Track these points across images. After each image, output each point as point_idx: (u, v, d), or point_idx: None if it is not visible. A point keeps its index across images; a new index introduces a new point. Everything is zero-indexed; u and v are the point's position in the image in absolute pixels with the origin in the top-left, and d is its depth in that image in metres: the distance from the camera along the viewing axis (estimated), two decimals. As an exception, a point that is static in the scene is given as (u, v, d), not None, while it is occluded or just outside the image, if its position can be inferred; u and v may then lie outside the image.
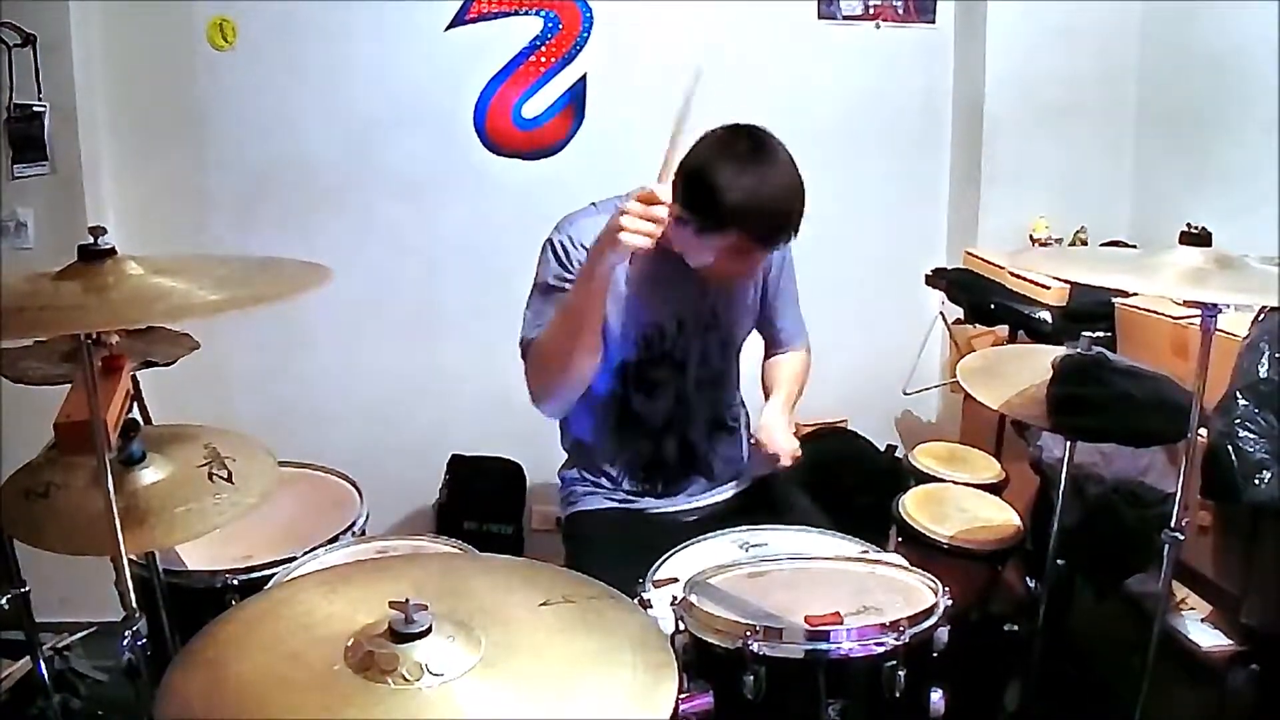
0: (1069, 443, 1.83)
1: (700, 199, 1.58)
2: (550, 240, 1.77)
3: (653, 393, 1.86)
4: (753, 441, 1.84)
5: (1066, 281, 2.40)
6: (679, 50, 2.83)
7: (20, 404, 2.01)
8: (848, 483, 2.71)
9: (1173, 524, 1.55)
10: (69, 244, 1.21)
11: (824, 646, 1.27)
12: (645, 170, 1.51)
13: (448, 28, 2.79)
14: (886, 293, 3.12)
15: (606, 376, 1.81)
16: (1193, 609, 1.96)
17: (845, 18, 2.95)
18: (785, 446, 1.75)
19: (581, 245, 1.70)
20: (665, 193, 1.47)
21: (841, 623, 1.30)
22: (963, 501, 2.17)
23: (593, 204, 1.82)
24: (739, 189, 1.56)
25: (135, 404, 2.02)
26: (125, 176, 2.73)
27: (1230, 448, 1.72)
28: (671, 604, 1.37)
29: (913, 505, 2.14)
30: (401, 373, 2.94)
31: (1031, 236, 2.91)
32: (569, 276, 1.71)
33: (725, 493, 1.97)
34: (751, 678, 1.26)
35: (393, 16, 2.76)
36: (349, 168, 2.82)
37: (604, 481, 1.93)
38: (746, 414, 2.03)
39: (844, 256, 2.93)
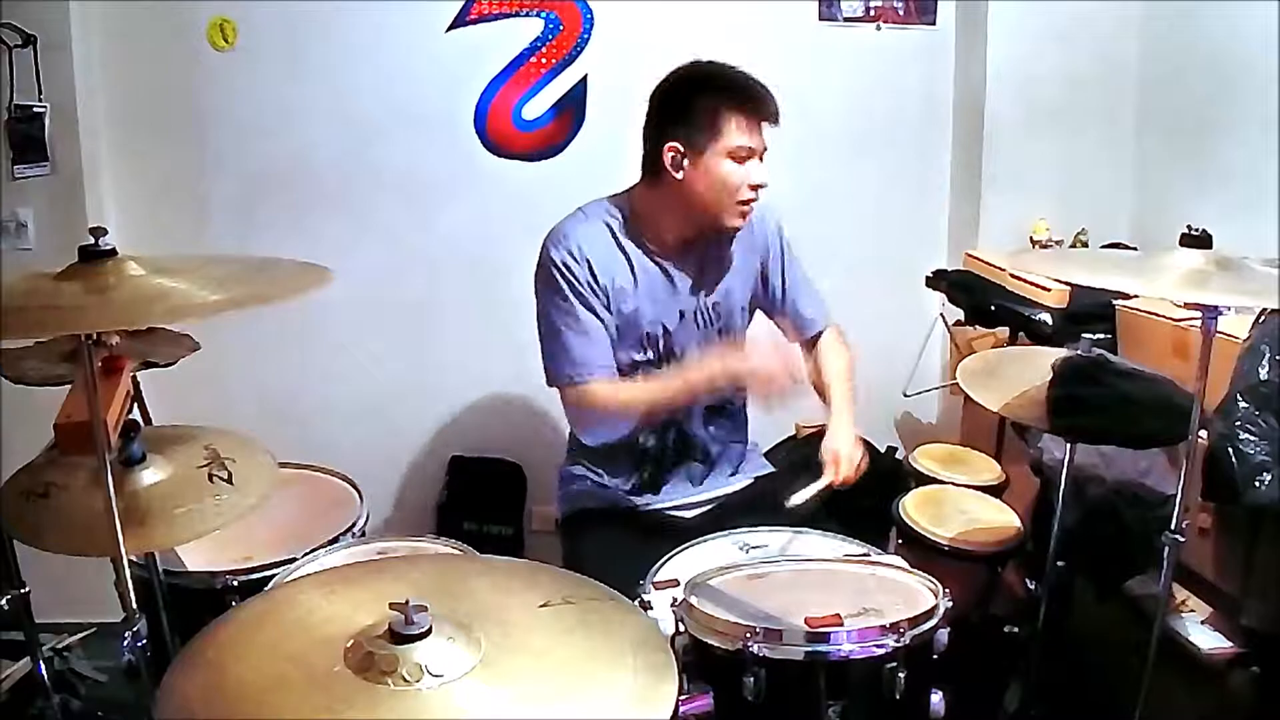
0: (1069, 444, 1.83)
1: (682, 104, 1.71)
2: (551, 260, 1.76)
3: None
4: (820, 459, 1.84)
5: (1067, 283, 2.39)
6: (680, 51, 2.81)
7: (20, 404, 2.01)
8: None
9: (1173, 526, 1.55)
10: (69, 244, 1.22)
11: (824, 648, 1.28)
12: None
13: (448, 29, 2.79)
14: (887, 294, 3.11)
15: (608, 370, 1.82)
16: (1193, 611, 1.96)
17: (846, 19, 2.94)
18: (855, 463, 1.82)
19: (586, 258, 1.74)
20: (801, 373, 1.65)
21: (842, 624, 1.30)
22: (963, 503, 2.17)
23: (580, 210, 1.83)
24: (704, 69, 1.73)
25: (135, 405, 2.02)
26: (125, 177, 2.73)
27: (1230, 450, 1.71)
28: (672, 606, 1.37)
29: (913, 507, 2.14)
30: (401, 373, 2.94)
31: (1032, 238, 2.91)
32: (585, 294, 1.75)
33: (726, 487, 1.97)
34: (751, 679, 1.26)
35: (394, 17, 2.75)
36: (349, 168, 2.82)
37: (605, 475, 1.93)
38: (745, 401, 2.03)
39: (844, 257, 2.92)
